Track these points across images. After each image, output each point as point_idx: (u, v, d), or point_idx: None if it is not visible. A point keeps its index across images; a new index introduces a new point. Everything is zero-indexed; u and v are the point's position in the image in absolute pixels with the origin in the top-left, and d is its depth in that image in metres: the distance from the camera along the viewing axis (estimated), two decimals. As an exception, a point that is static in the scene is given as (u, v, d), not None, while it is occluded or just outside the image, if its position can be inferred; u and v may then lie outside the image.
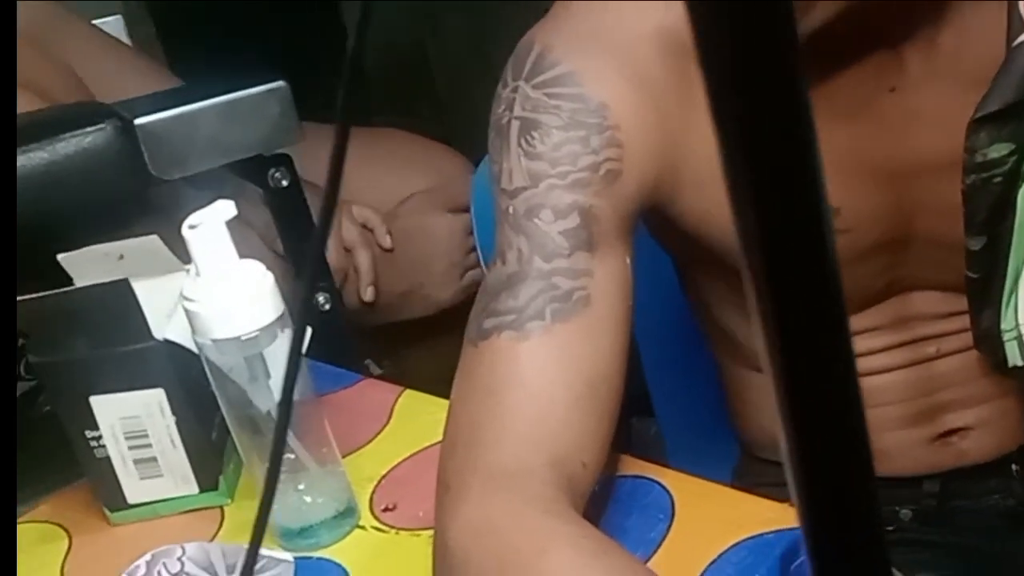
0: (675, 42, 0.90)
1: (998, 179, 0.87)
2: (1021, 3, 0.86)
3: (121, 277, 0.90)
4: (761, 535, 0.87)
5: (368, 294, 1.41)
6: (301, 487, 0.93)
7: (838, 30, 0.85)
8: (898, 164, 0.93)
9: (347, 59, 0.39)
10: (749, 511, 0.90)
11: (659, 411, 1.36)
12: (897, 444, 1.07)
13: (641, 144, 0.89)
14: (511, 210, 0.86)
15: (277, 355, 0.86)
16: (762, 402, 1.14)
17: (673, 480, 0.94)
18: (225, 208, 0.81)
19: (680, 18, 0.91)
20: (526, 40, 0.93)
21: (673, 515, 0.91)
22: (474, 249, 1.43)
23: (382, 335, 1.48)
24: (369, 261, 1.41)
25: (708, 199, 0.94)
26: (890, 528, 1.08)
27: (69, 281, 0.92)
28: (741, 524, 0.88)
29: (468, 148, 1.57)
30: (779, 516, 0.89)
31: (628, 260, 0.89)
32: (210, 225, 0.81)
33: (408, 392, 1.08)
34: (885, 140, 0.93)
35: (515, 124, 0.89)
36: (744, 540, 0.87)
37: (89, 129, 0.99)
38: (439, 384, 1.15)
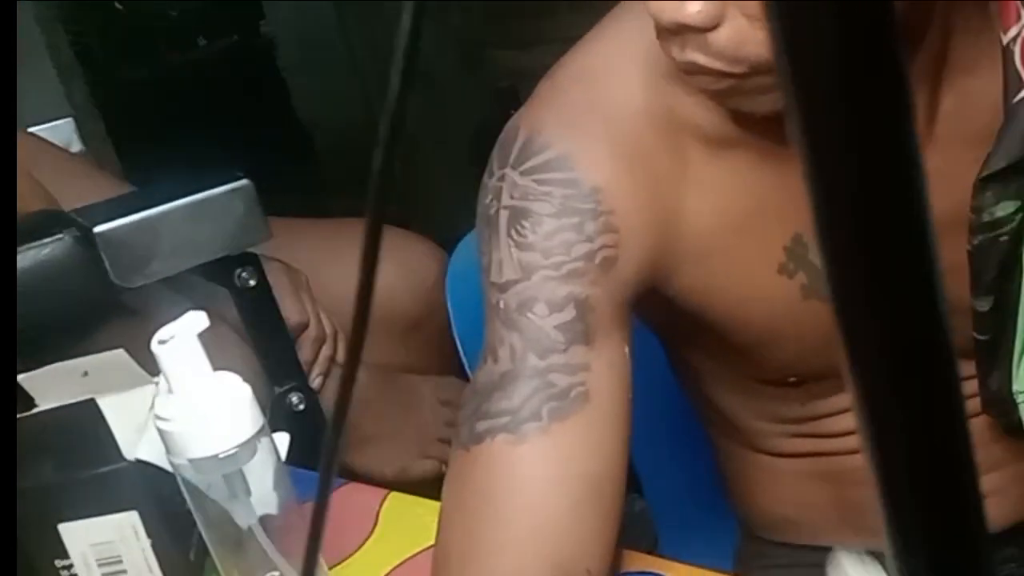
0: (667, 115, 0.88)
1: (1004, 237, 0.84)
2: (1019, 60, 0.84)
3: (87, 395, 0.85)
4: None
5: (316, 383, 1.35)
6: (288, 604, 0.88)
7: None
8: None
9: (378, 150, 0.35)
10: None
11: (647, 488, 1.32)
12: None
13: (637, 226, 0.86)
14: (502, 304, 0.83)
15: (257, 469, 0.81)
16: (765, 481, 1.11)
17: (680, 574, 0.89)
18: (197, 320, 0.77)
19: (669, 92, 0.87)
20: (511, 126, 0.89)
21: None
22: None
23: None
24: (329, 354, 1.35)
25: (707, 273, 0.91)
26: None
27: (31, 403, 0.87)
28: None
29: (428, 230, 1.53)
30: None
31: (627, 349, 0.85)
32: (182, 339, 0.76)
33: (394, 495, 1.03)
34: None
35: (504, 214, 0.85)
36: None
37: (46, 240, 0.95)
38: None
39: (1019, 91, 0.83)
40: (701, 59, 0.80)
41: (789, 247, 0.91)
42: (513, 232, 0.84)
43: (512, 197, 0.85)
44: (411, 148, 2.50)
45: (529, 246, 0.83)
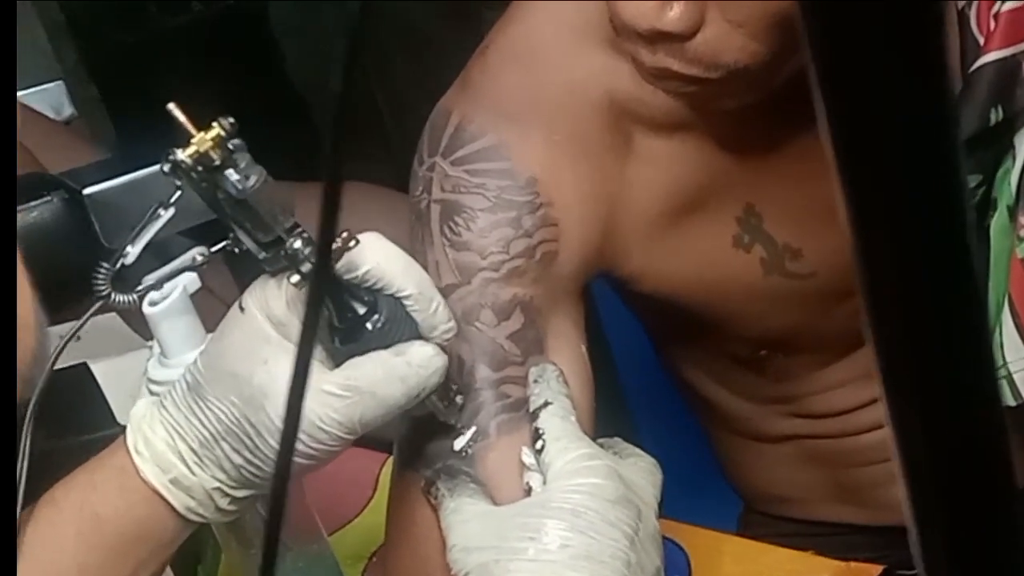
0: (607, 96, 0.84)
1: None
2: (975, 25, 0.82)
3: (78, 360, 0.84)
4: (788, 590, 0.82)
5: None
6: (286, 571, 0.87)
7: (801, 75, 0.81)
8: None
9: (333, 109, 0.34)
10: (771, 564, 0.85)
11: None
12: None
13: (578, 217, 0.82)
14: None
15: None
16: (757, 466, 1.10)
17: (685, 535, 0.88)
18: (188, 281, 0.75)
19: (610, 69, 0.85)
20: (441, 109, 0.85)
21: (690, 574, 0.85)
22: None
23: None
24: None
25: (659, 254, 0.88)
26: (913, 571, 1.03)
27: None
28: (765, 580, 0.83)
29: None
30: (804, 567, 0.83)
31: (583, 348, 0.81)
32: (173, 301, 0.74)
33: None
34: None
35: (435, 208, 0.81)
36: (771, 597, 0.82)
37: (34, 203, 0.92)
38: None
39: (976, 58, 0.80)
40: (675, 65, 0.77)
41: (741, 217, 0.89)
42: (446, 229, 0.80)
43: (443, 190, 0.81)
44: (404, 109, 2.47)
45: (464, 245, 0.79)
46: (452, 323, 0.69)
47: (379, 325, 0.67)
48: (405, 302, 0.68)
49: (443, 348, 0.69)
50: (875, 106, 0.33)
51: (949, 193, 0.34)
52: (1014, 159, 0.84)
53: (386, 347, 0.67)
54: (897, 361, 0.36)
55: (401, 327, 0.67)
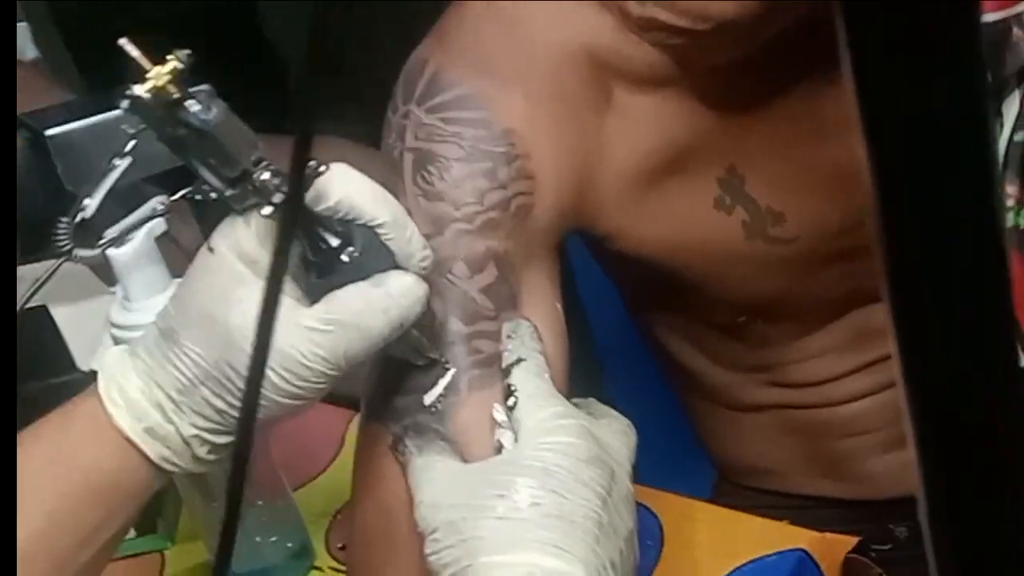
0: (587, 51, 0.82)
1: None
2: None
3: (38, 304, 0.81)
4: (762, 558, 0.80)
5: None
6: (249, 527, 0.85)
7: (788, 34, 0.79)
8: (842, 165, 0.86)
9: (304, 62, 0.32)
10: (745, 532, 0.83)
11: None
12: (886, 468, 1.01)
13: (555, 171, 0.79)
14: None
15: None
16: (734, 436, 1.08)
17: (659, 501, 0.87)
18: (154, 224, 0.72)
19: (593, 24, 0.82)
20: (416, 58, 0.82)
21: (663, 541, 0.84)
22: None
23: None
24: None
25: (639, 214, 0.86)
26: (886, 547, 1.02)
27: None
28: (739, 547, 0.82)
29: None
30: (779, 536, 0.82)
31: (558, 304, 0.79)
32: (138, 244, 0.72)
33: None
34: (827, 139, 0.86)
35: (408, 157, 0.78)
36: (744, 564, 0.80)
37: (-6, 142, 0.89)
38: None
39: None
40: (664, 15, 0.76)
41: (723, 178, 0.87)
42: (419, 179, 0.77)
43: (417, 138, 0.78)
44: (379, 69, 2.44)
45: (437, 195, 0.76)
46: (429, 251, 0.68)
47: (355, 255, 0.65)
48: (379, 231, 0.66)
49: (423, 277, 0.67)
50: (905, 80, 0.32)
51: (980, 165, 0.33)
52: (1001, 126, 0.82)
53: (364, 279, 0.65)
54: (915, 327, 0.35)
55: (378, 257, 0.66)
